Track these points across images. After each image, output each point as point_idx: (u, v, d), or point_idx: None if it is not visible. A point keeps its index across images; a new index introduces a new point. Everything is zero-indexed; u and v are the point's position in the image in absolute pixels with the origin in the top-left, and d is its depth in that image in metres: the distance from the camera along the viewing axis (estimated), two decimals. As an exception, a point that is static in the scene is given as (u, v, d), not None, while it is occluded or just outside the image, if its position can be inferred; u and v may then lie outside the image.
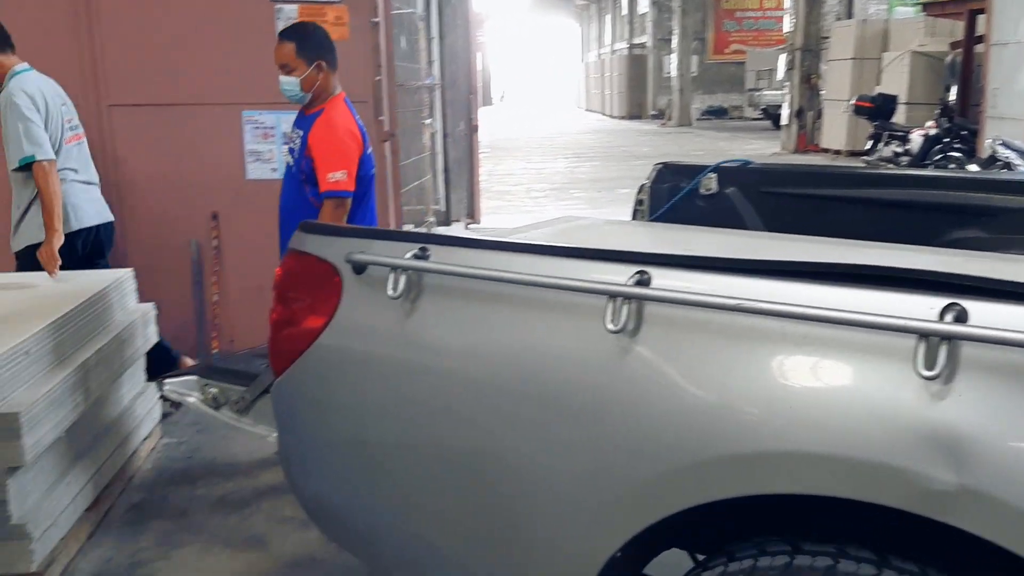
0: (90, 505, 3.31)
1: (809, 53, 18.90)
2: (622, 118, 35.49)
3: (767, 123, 27.40)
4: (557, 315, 1.56)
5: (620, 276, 1.48)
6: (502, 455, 1.64)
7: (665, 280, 1.45)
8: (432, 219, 8.52)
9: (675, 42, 30.35)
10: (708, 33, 34.28)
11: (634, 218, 3.33)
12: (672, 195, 3.23)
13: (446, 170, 9.33)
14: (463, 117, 9.34)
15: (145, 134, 4.68)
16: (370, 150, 3.70)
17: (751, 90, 29.85)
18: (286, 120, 4.74)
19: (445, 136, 9.12)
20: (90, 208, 4.16)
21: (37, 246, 3.90)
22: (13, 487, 2.81)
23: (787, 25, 20.20)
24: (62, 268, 3.87)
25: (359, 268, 1.83)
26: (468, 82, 9.28)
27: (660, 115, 32.74)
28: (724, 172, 3.16)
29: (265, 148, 4.76)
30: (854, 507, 1.32)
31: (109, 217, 4.27)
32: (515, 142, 23.65)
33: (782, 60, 20.31)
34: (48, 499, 3.00)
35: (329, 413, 1.95)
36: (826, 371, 1.33)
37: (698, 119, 30.92)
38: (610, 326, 1.45)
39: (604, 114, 39.34)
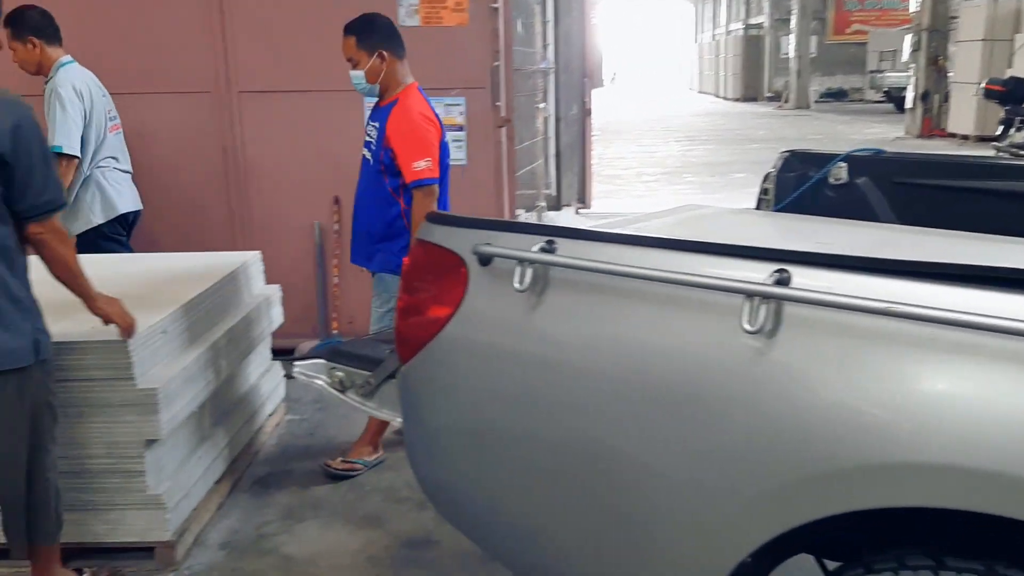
0: (219, 478, 3.46)
1: (937, 34, 18.04)
2: (737, 100, 34.71)
3: (889, 106, 26.35)
4: (691, 313, 1.53)
5: (758, 274, 1.44)
6: (628, 453, 1.62)
7: (806, 280, 1.41)
8: (543, 204, 8.53)
9: (794, 22, 29.45)
10: (828, 12, 33.13)
11: (758, 207, 3.24)
12: (799, 184, 3.13)
13: (557, 154, 9.31)
14: (576, 101, 9.29)
15: (272, 119, 4.82)
16: (446, 138, 3.66)
17: (873, 72, 28.72)
18: (405, 106, 4.82)
19: (557, 120, 9.09)
20: (130, 195, 4.40)
21: (94, 230, 4.18)
22: (150, 459, 2.95)
23: (913, 5, 19.29)
24: (102, 250, 4.12)
25: (485, 260, 1.84)
26: (582, 65, 9.22)
27: (776, 97, 31.87)
28: (855, 161, 3.04)
29: (385, 134, 4.83)
30: (1003, 523, 1.26)
31: (140, 205, 4.47)
32: (626, 124, 23.44)
33: (907, 41, 19.42)
34: (181, 471, 3.14)
35: (453, 401, 1.97)
36: (981, 382, 1.26)
37: (816, 101, 29.97)
38: (747, 326, 1.42)
39: (718, 96, 38.53)
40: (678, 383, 1.53)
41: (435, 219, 2.02)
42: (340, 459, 3.70)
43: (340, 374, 2.50)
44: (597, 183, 11.14)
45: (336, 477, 3.64)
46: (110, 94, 4.45)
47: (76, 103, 4.03)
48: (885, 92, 26.90)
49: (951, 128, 17.49)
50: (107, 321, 2.71)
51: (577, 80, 9.21)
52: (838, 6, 33.40)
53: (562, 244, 1.72)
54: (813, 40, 30.46)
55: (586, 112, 9.31)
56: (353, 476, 3.65)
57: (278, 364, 4.29)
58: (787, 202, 3.13)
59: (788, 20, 30.72)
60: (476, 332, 1.89)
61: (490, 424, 1.88)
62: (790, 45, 30.01)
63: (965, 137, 16.73)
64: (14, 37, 3.93)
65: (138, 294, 3.31)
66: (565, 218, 9.26)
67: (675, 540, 1.58)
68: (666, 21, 64.66)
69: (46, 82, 4.10)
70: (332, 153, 4.82)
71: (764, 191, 3.22)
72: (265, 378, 4.08)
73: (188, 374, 3.12)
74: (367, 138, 3.66)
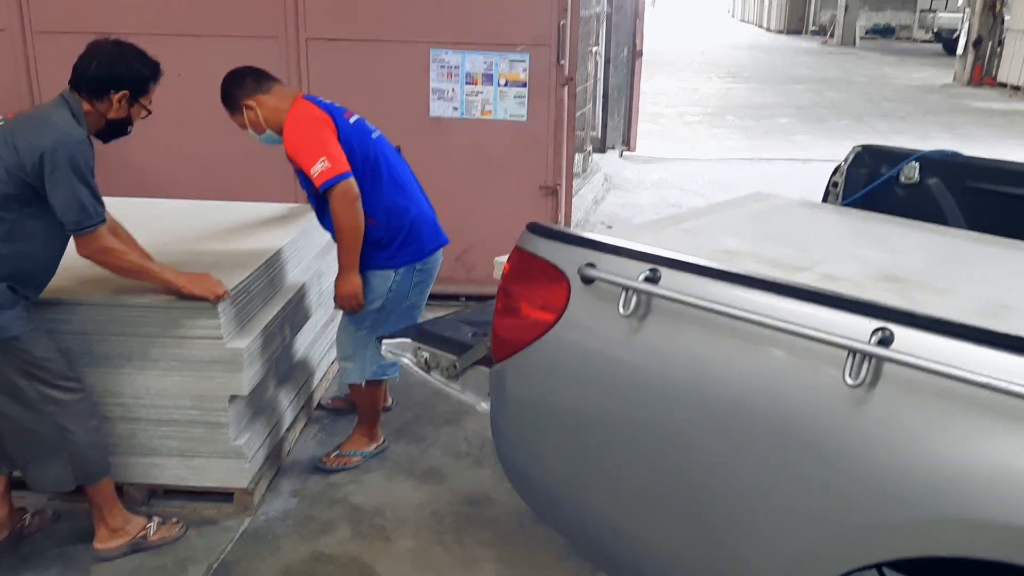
0: (288, 425, 3.64)
1: (997, -23, 17.54)
2: (780, 32, 33.99)
3: (937, 47, 25.77)
4: (793, 358, 1.63)
5: (861, 331, 1.54)
6: (720, 473, 1.75)
7: (908, 342, 1.50)
8: (589, 147, 8.54)
9: (846, -47, 28.61)
10: (882, -56, 32.13)
11: (825, 199, 3.31)
12: (869, 180, 3.19)
13: (605, 96, 9.27)
14: (627, 42, 9.20)
15: (339, 67, 4.87)
16: (355, 118, 3.38)
17: (924, 10, 27.98)
18: (470, 60, 4.87)
19: (607, 62, 9.02)
20: None
21: None
22: (232, 412, 3.12)
23: (975, -55, 18.71)
24: None
25: (588, 280, 1.95)
26: (635, 6, 9.11)
27: (821, 31, 31.18)
28: (927, 161, 3.10)
29: (448, 87, 4.89)
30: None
31: None
32: (665, 55, 23.05)
33: (965, -18, 18.89)
34: (257, 422, 3.32)
35: (549, 403, 2.10)
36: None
37: (862, 38, 29.26)
38: (848, 380, 1.52)
39: (760, 26, 37.69)
40: (777, 421, 1.65)
41: (537, 230, 2.11)
42: (335, 454, 3.58)
43: (426, 354, 2.63)
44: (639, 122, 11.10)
45: (330, 472, 3.51)
46: (177, 36, 4.53)
47: None
48: (935, 32, 26.28)
49: (1001, 77, 17.16)
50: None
51: (630, 21, 9.10)
52: (892, -62, 32.35)
53: (666, 274, 1.82)
54: (864, -27, 29.66)
55: (637, 54, 9.23)
56: (350, 469, 3.54)
57: (340, 312, 4.42)
58: (856, 198, 3.19)
59: (840, -49, 29.84)
60: (578, 342, 2.00)
61: (587, 427, 2.01)
62: (840, -23, 29.23)
63: (1016, 88, 16.42)
64: None
65: (217, 249, 3.45)
66: (610, 161, 9.29)
67: (757, 560, 1.72)
68: (711, -57, 62.60)
69: None
70: (396, 103, 4.88)
71: (833, 184, 3.28)
72: (328, 328, 4.23)
73: (268, 331, 3.27)
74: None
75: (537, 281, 2.08)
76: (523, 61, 4.87)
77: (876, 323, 1.54)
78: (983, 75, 17.80)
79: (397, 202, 3.36)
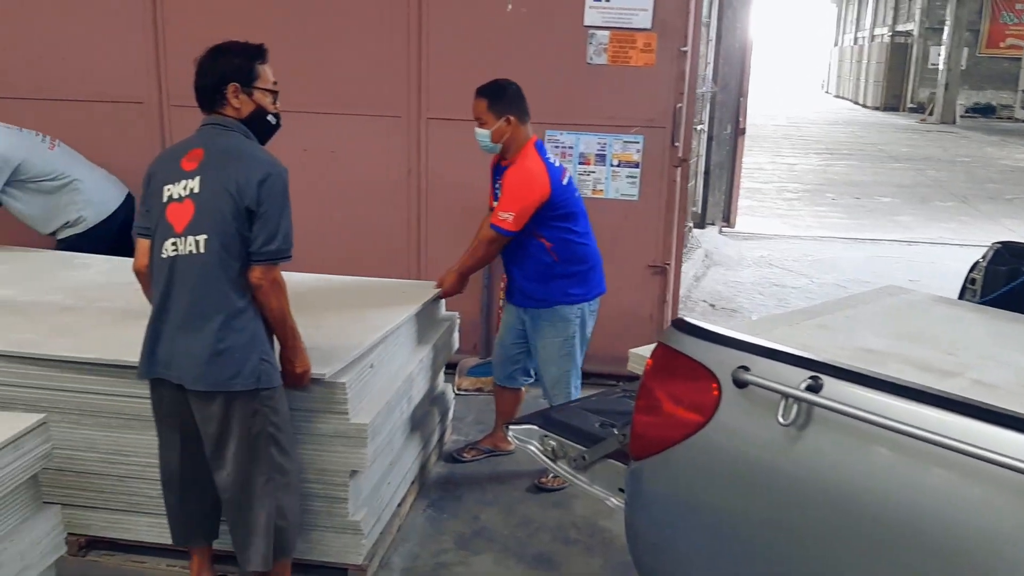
0: (399, 501, 3.64)
1: (1110, 59, 17.04)
2: (876, 109, 33.56)
3: (1043, 127, 25.08)
4: (966, 479, 1.56)
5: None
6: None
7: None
8: (690, 223, 8.51)
9: (946, 32, 28.21)
10: (983, 24, 31.56)
11: (962, 296, 3.21)
12: (1010, 278, 3.09)
13: (707, 172, 9.26)
14: (730, 120, 9.20)
15: (456, 145, 4.96)
16: (566, 180, 3.85)
17: (1028, 90, 27.33)
18: (584, 141, 4.93)
19: (710, 139, 9.03)
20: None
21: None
22: (352, 488, 3.14)
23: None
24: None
25: (742, 384, 1.91)
26: (740, 85, 9.12)
27: (919, 109, 30.69)
28: (1073, 262, 2.99)
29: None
30: None
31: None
32: (761, 129, 22.94)
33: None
34: (374, 497, 3.33)
35: (694, 506, 2.05)
36: None
37: (961, 116, 28.68)
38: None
39: (856, 102, 37.32)
40: (948, 546, 1.57)
41: (684, 328, 2.09)
42: (552, 475, 3.88)
43: (553, 443, 2.61)
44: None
45: (549, 491, 3.98)
46: (303, 112, 4.70)
47: None
48: (1039, 113, 25.64)
49: (1114, 161, 16.55)
50: (289, 379, 2.86)
51: (733, 99, 9.12)
52: (993, 18, 31.81)
53: (829, 383, 1.78)
54: (964, 52, 29.13)
55: (740, 131, 9.22)
56: (564, 488, 3.95)
57: (449, 386, 4.46)
58: (995, 296, 3.09)
59: (939, 29, 29.47)
60: (729, 446, 1.94)
61: (736, 536, 1.95)
62: (940, 56, 28.79)
63: None
64: None
65: (339, 323, 3.50)
66: (710, 237, 9.23)
67: None
68: (804, 19, 62.73)
69: None
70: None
71: (971, 281, 3.19)
72: (439, 400, 4.26)
73: (390, 406, 3.30)
74: (497, 194, 3.89)
75: (683, 380, 2.05)
76: (637, 142, 4.90)
77: (1065, 449, 1.47)
78: (1094, 158, 17.23)
79: (586, 247, 3.94)
